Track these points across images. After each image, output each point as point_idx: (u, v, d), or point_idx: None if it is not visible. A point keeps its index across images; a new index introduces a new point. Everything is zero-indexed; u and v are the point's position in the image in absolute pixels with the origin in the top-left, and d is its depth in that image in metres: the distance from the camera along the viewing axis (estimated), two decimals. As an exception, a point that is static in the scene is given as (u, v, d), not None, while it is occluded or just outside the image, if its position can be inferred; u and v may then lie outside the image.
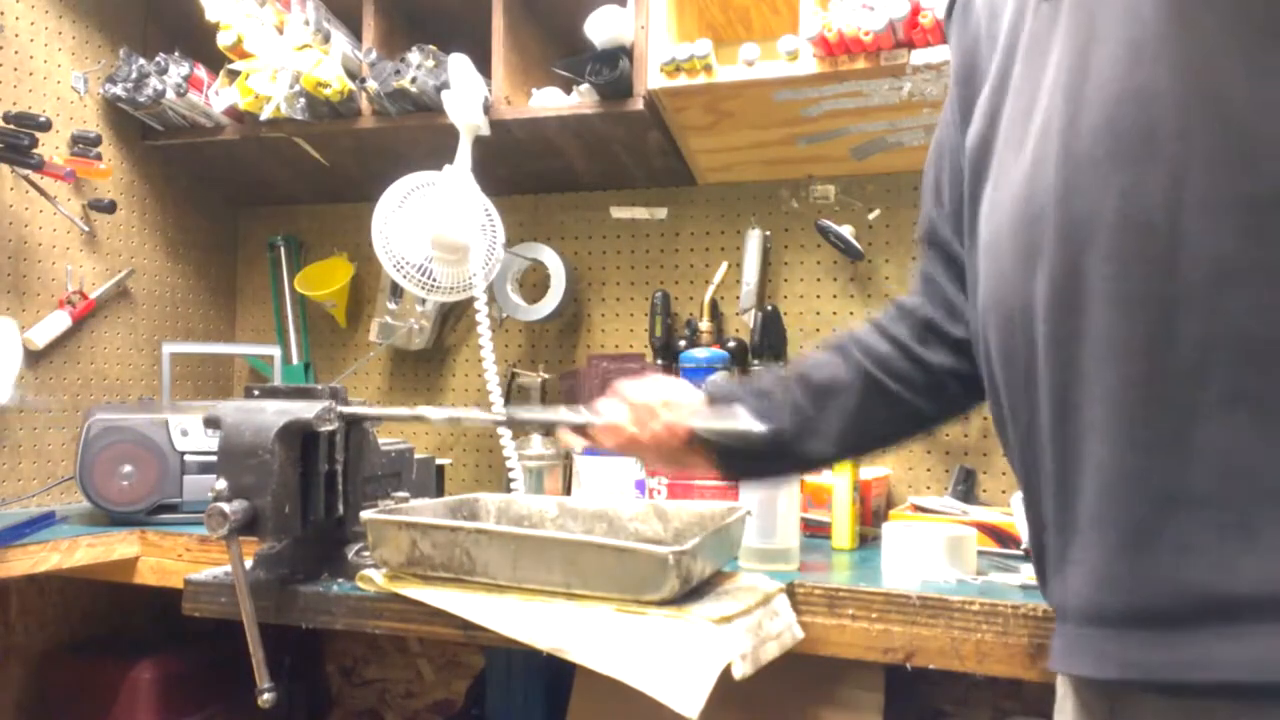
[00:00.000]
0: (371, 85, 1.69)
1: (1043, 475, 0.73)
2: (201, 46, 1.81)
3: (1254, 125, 0.62)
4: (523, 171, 1.90)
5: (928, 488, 1.73)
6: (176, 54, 1.83)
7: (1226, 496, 0.61)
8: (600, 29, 1.58)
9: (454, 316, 2.07)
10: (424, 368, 2.10)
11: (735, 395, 0.97)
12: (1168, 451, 0.63)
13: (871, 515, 1.51)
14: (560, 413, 1.04)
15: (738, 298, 1.81)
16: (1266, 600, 0.59)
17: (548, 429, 1.04)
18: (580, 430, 1.02)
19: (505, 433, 1.61)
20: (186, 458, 1.52)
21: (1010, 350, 0.75)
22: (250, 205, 2.21)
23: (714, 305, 1.82)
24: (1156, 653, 0.63)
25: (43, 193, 1.71)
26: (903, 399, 0.94)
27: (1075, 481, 0.69)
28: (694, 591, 0.99)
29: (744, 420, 0.93)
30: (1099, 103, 0.68)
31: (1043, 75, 0.74)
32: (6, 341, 1.61)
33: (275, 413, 1.02)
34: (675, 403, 0.98)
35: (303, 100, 1.72)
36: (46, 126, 1.63)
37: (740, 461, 0.98)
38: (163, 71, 1.80)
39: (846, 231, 1.71)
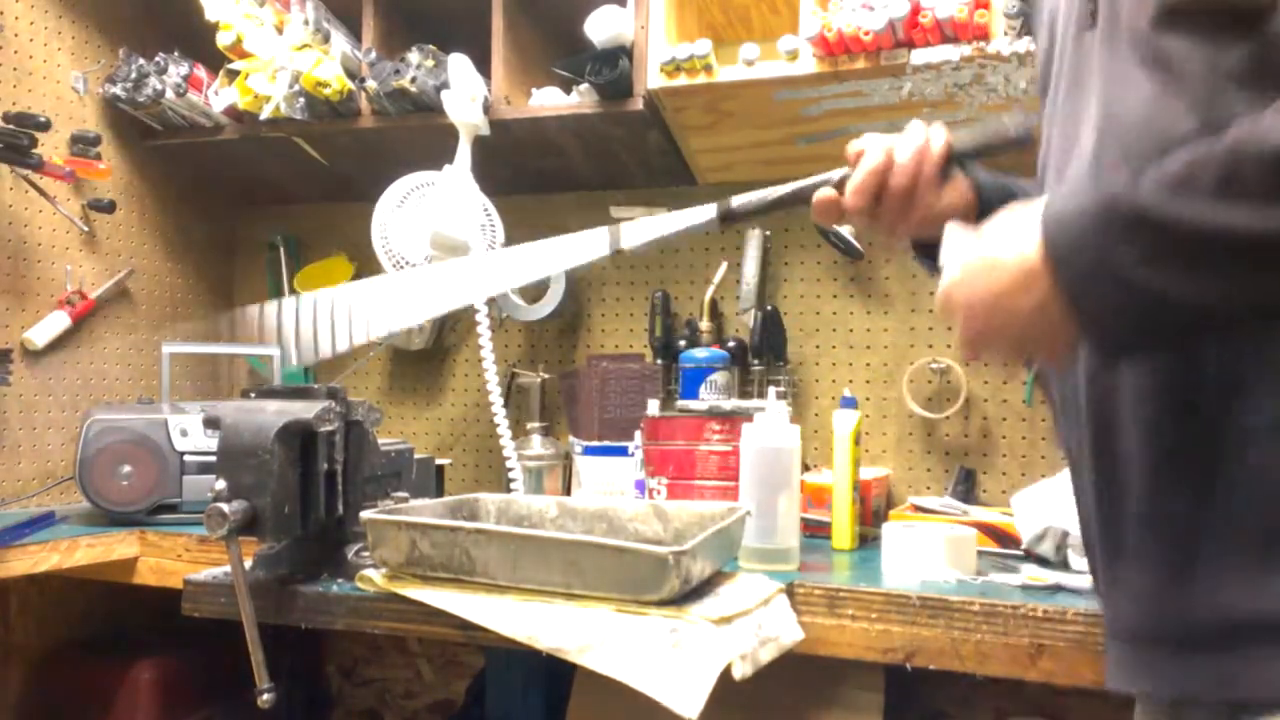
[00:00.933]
0: (371, 85, 1.69)
1: (1084, 492, 0.76)
2: (201, 46, 1.81)
3: None
4: (522, 171, 1.90)
5: (928, 488, 1.73)
6: (176, 54, 1.83)
7: (1256, 522, 0.63)
8: (600, 28, 1.58)
9: (453, 317, 2.07)
10: (424, 368, 2.10)
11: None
12: (1199, 484, 0.65)
13: (871, 515, 1.50)
14: (799, 183, 0.91)
15: (738, 298, 1.81)
16: None
17: (789, 201, 0.90)
18: (836, 190, 0.89)
19: (505, 433, 1.61)
20: (186, 458, 1.52)
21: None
22: (250, 205, 2.21)
23: (714, 305, 1.81)
24: (1205, 672, 0.65)
25: (42, 193, 1.70)
26: None
27: (1117, 509, 0.72)
28: (694, 592, 0.99)
29: (1011, 123, 0.84)
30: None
31: (1084, 110, 0.74)
32: None
33: (275, 413, 1.01)
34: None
35: (302, 100, 1.72)
36: (46, 126, 1.63)
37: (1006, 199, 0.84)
38: (162, 71, 1.80)
39: (846, 231, 1.71)
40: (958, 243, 0.72)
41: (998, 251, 0.67)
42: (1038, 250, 0.64)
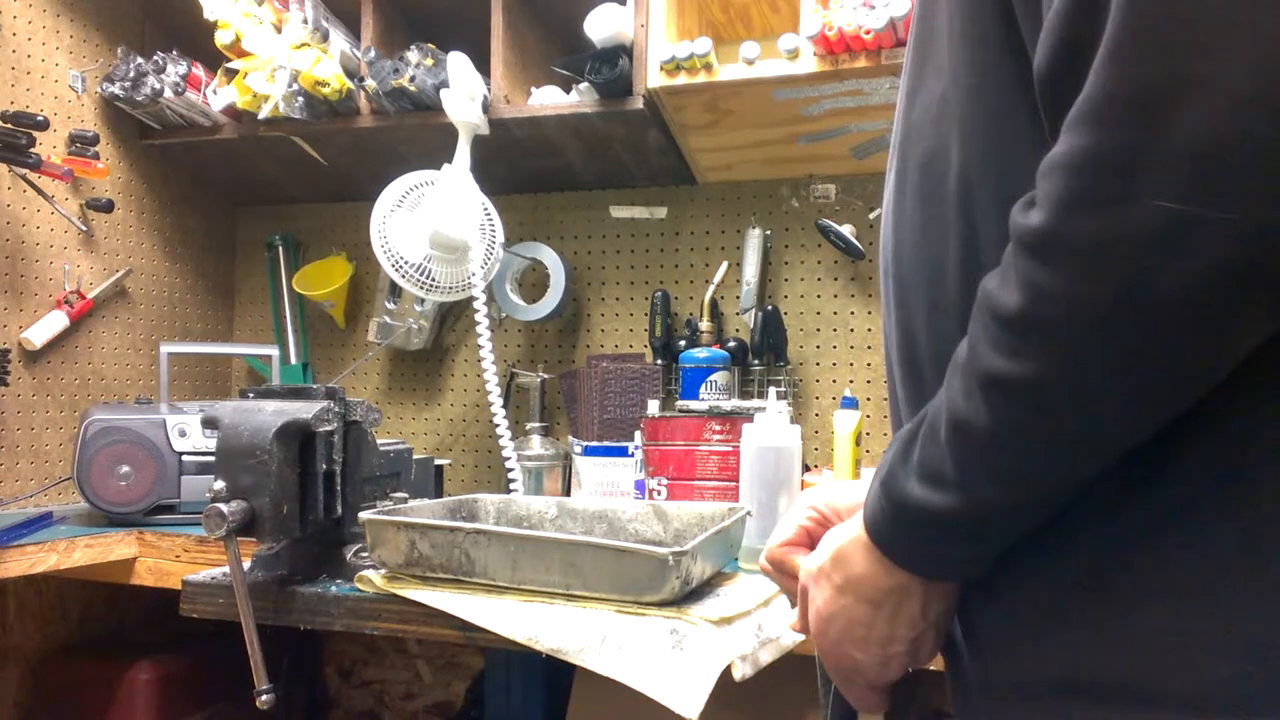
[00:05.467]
0: (370, 84, 1.69)
1: None
2: (199, 45, 1.81)
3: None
4: (522, 171, 1.90)
5: (928, 488, 1.72)
6: (174, 53, 1.82)
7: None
8: (600, 27, 1.57)
9: (453, 316, 2.07)
10: (423, 368, 2.09)
11: None
12: None
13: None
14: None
15: (738, 297, 1.81)
16: None
17: None
18: None
19: (505, 433, 1.61)
20: (184, 458, 1.51)
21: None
22: (248, 204, 2.21)
23: (714, 305, 1.81)
24: None
25: (40, 192, 1.70)
26: None
27: None
28: (694, 593, 0.99)
29: None
30: (914, 164, 0.66)
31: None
32: None
33: (273, 413, 1.01)
34: None
35: (301, 99, 1.72)
36: (44, 125, 1.63)
37: None
38: (160, 70, 1.79)
39: (847, 231, 1.71)
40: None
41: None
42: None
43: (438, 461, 1.68)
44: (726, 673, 0.88)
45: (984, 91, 0.60)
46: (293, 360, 2.14)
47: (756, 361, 1.76)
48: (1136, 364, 0.48)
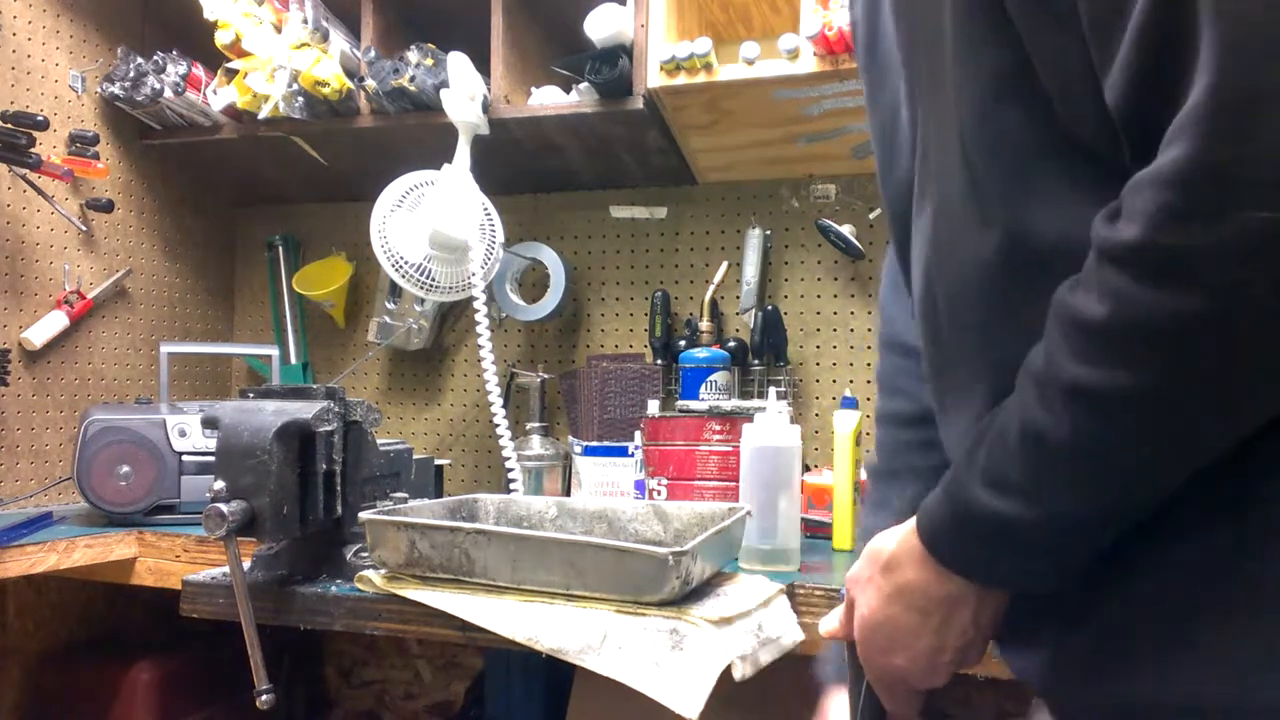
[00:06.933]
0: (370, 84, 1.69)
1: None
2: (199, 45, 1.80)
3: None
4: (522, 170, 1.90)
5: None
6: (174, 52, 1.82)
7: None
8: (600, 27, 1.57)
9: (453, 316, 2.06)
10: (423, 368, 2.09)
11: None
12: None
13: (872, 515, 1.50)
14: None
15: (738, 297, 1.81)
16: None
17: None
18: None
19: (505, 433, 1.61)
20: (184, 458, 1.51)
21: None
22: (248, 204, 2.20)
23: (714, 305, 1.81)
24: None
25: (40, 192, 1.70)
26: None
27: None
28: (694, 592, 0.99)
29: None
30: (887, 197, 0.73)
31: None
32: None
33: (273, 413, 1.01)
34: None
35: (301, 99, 1.72)
36: (44, 125, 1.63)
37: None
38: (160, 70, 1.79)
39: (847, 231, 1.71)
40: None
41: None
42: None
43: (438, 461, 1.68)
44: (726, 673, 0.88)
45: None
46: (293, 360, 2.13)
47: (756, 361, 1.76)
48: (1224, 375, 0.48)
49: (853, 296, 1.80)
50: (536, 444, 1.77)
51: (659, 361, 1.81)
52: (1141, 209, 0.48)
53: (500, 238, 1.70)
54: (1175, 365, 0.49)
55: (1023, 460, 0.55)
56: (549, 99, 1.68)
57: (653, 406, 1.61)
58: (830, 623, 0.75)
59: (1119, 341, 0.50)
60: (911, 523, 0.65)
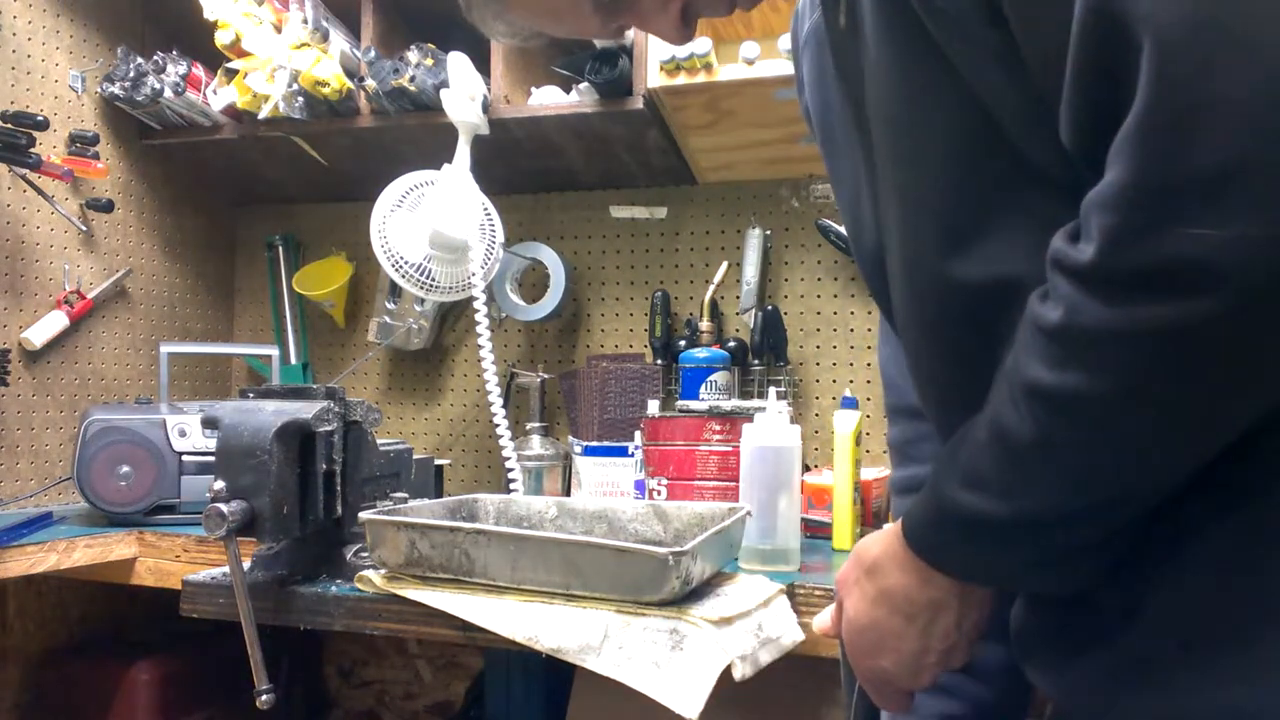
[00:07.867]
0: (370, 84, 1.69)
1: None
2: (199, 45, 1.80)
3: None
4: (522, 171, 1.90)
5: (928, 488, 1.72)
6: (174, 52, 1.82)
7: None
8: (600, 27, 1.57)
9: (453, 316, 2.06)
10: (423, 368, 2.09)
11: None
12: None
13: (872, 516, 1.50)
14: None
15: (738, 297, 1.81)
16: None
17: None
18: None
19: (505, 433, 1.61)
20: (184, 458, 1.51)
21: None
22: (248, 204, 2.21)
23: (714, 305, 1.81)
24: None
25: (40, 192, 1.70)
26: None
27: None
28: (694, 592, 0.99)
29: None
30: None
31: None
32: None
33: (273, 413, 1.01)
34: None
35: (301, 99, 1.72)
36: (44, 125, 1.63)
37: None
38: (160, 70, 1.79)
39: (847, 231, 1.71)
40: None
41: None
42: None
43: (438, 461, 1.68)
44: (726, 673, 0.88)
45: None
46: (293, 360, 2.13)
47: (756, 361, 1.76)
48: (1172, 387, 0.49)
49: (853, 296, 1.80)
50: (536, 444, 1.77)
51: (659, 361, 1.81)
52: (1094, 230, 0.49)
53: (500, 238, 1.70)
54: (1123, 373, 0.50)
55: (992, 457, 0.57)
56: (549, 99, 1.68)
57: (653, 406, 1.61)
58: (823, 619, 0.77)
59: (1070, 345, 0.51)
60: (896, 527, 0.66)
